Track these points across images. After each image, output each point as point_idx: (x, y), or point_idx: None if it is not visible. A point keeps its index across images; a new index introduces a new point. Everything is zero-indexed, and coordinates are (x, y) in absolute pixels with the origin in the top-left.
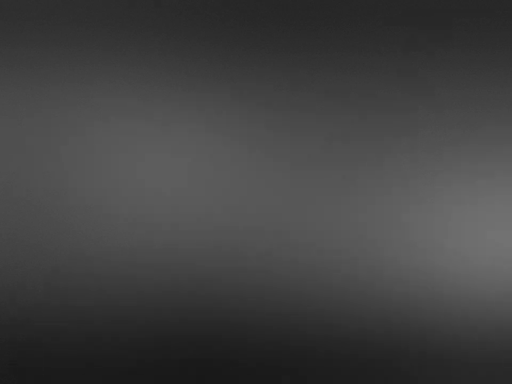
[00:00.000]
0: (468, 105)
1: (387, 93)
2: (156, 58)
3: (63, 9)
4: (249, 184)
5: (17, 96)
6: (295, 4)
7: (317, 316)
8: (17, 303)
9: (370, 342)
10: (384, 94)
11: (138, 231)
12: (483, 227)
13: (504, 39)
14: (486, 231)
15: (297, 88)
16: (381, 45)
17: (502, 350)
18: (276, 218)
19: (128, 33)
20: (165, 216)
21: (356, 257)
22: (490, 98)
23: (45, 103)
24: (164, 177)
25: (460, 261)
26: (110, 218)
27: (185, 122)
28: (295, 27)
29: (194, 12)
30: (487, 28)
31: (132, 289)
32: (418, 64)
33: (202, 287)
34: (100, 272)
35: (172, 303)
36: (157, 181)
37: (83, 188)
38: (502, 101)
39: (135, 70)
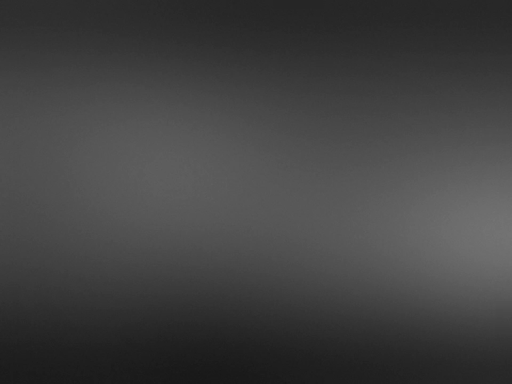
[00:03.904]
0: (467, 106)
1: (387, 93)
2: (159, 60)
3: (64, 12)
4: (254, 185)
5: (20, 99)
6: (301, 6)
7: (320, 318)
8: (17, 303)
9: (369, 343)
10: (384, 94)
11: (140, 232)
12: (483, 227)
13: (504, 39)
14: (487, 232)
15: (301, 89)
16: (382, 45)
17: (502, 349)
18: (280, 220)
19: (129, 35)
20: (168, 219)
21: (360, 259)
22: (490, 98)
23: (47, 105)
24: (167, 180)
25: (460, 262)
26: (111, 220)
27: (190, 124)
28: (302, 29)
29: (199, 13)
30: (488, 28)
31: (133, 291)
32: (418, 64)
33: (205, 290)
34: (100, 273)
35: (173, 306)
36: (159, 184)
37: (84, 189)
38: (502, 101)
39: (137, 72)
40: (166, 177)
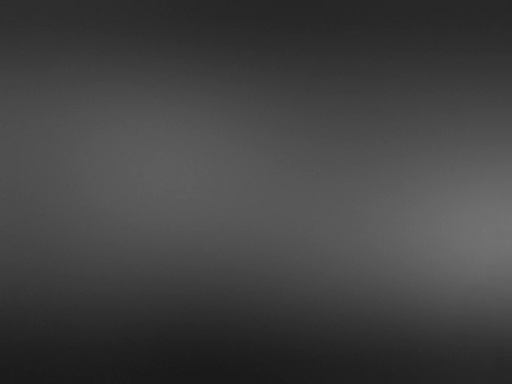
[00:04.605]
0: (467, 106)
1: (387, 93)
2: (159, 60)
3: (64, 12)
4: (254, 185)
5: (20, 99)
6: (301, 6)
7: (320, 318)
8: (17, 303)
9: (369, 343)
10: (384, 94)
11: (140, 232)
12: (483, 227)
13: (504, 39)
14: (487, 232)
15: (301, 89)
16: (382, 45)
17: (502, 349)
18: (280, 220)
19: (129, 35)
20: (168, 219)
21: (360, 259)
22: (490, 98)
23: (47, 105)
24: (167, 180)
25: (460, 262)
26: (111, 220)
27: (190, 124)
28: (302, 29)
29: (199, 13)
30: (488, 28)
31: (133, 291)
32: (418, 64)
33: (205, 290)
34: (100, 273)
35: (173, 306)
36: (159, 184)
37: (84, 189)
38: (502, 101)
39: (137, 72)
40: (166, 177)
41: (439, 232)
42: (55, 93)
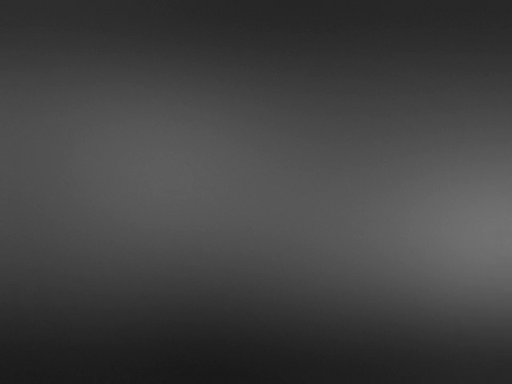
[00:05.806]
0: (467, 106)
1: (387, 93)
2: (159, 60)
3: (64, 12)
4: (254, 185)
5: (20, 99)
6: (301, 6)
7: (320, 318)
8: (17, 303)
9: (369, 343)
10: (384, 94)
11: (140, 232)
12: (483, 227)
13: (504, 39)
14: (487, 232)
15: (301, 89)
16: (382, 45)
17: (502, 349)
18: (280, 220)
19: (129, 35)
20: (168, 219)
21: (360, 259)
22: (490, 98)
23: (47, 105)
24: (167, 180)
25: (460, 262)
26: (111, 220)
27: (190, 124)
28: (302, 29)
29: (199, 13)
30: (488, 28)
31: (133, 291)
32: (418, 64)
33: (205, 290)
34: (100, 273)
35: (173, 306)
36: (159, 184)
37: (84, 189)
38: (502, 101)
39: (137, 72)
40: (166, 177)
41: (439, 232)
42: (55, 93)
